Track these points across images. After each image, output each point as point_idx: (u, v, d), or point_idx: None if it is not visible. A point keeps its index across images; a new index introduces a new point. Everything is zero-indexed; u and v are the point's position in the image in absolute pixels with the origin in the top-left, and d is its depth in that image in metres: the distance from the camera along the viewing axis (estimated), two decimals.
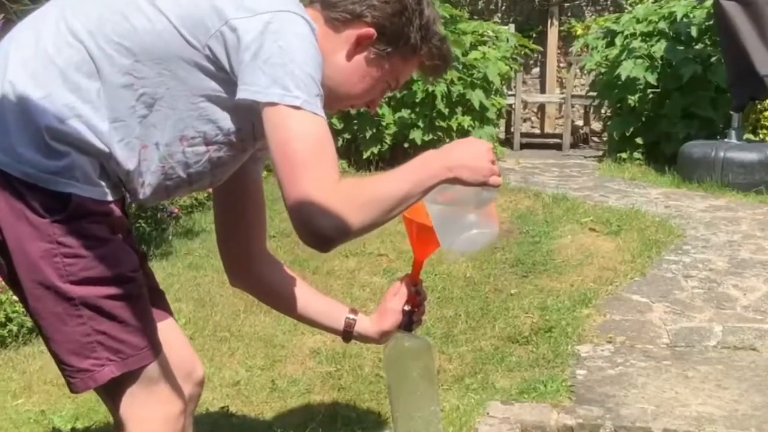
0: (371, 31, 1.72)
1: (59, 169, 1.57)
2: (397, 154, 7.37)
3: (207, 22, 1.59)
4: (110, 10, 1.62)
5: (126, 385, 1.67)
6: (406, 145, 7.52)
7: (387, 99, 7.53)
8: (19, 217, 1.57)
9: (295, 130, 1.54)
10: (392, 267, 4.62)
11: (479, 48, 8.16)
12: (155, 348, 1.69)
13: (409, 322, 2.04)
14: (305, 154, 1.53)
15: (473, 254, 1.90)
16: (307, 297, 2.09)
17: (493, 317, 3.96)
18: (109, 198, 1.64)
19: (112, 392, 1.69)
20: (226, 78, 1.62)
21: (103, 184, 1.63)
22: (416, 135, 7.49)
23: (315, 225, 1.53)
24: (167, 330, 1.85)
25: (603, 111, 9.26)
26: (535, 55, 10.98)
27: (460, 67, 7.85)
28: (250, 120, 1.67)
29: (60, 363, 1.67)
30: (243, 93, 1.57)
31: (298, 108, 1.54)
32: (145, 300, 1.70)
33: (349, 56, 1.73)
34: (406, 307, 2.04)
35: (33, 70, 1.58)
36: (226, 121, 1.68)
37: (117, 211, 1.67)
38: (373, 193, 1.57)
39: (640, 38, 8.30)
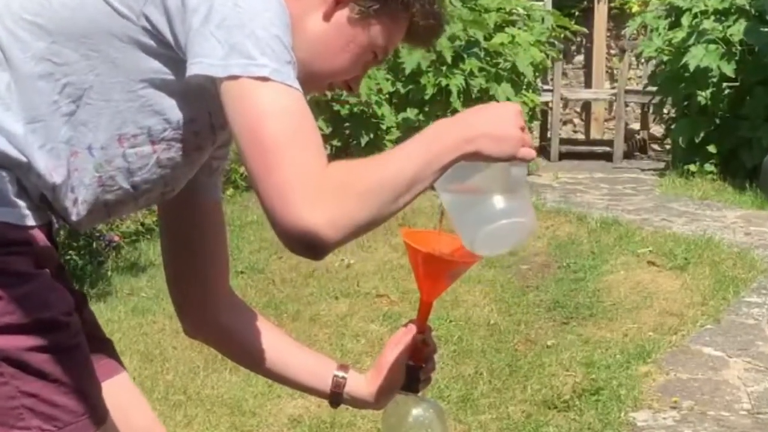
0: None
1: None
2: None
3: None
4: None
5: None
6: None
7: (388, 95, 7.58)
8: None
9: (264, 107, 1.51)
10: (394, 311, 4.63)
11: (506, 30, 8.21)
12: (98, 413, 1.68)
13: (415, 381, 2.03)
14: (281, 136, 1.49)
15: (505, 252, 1.83)
16: (284, 350, 2.09)
17: (524, 376, 3.97)
18: (31, 222, 1.64)
19: None
20: (171, 55, 1.61)
21: (21, 204, 1.63)
22: None
23: (303, 223, 1.48)
24: (119, 389, 1.84)
25: (666, 111, 9.28)
26: (579, 38, 11.02)
27: (482, 54, 7.90)
28: (205, 108, 1.67)
29: None
30: (194, 68, 1.55)
31: (266, 79, 1.53)
32: (83, 351, 1.69)
33: (327, 15, 1.72)
34: (411, 362, 2.04)
35: None
36: (174, 110, 1.66)
37: (42, 239, 1.66)
38: (374, 179, 1.54)
39: (713, 17, 8.35)
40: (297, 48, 1.62)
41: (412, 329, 2.04)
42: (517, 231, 1.76)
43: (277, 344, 2.11)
